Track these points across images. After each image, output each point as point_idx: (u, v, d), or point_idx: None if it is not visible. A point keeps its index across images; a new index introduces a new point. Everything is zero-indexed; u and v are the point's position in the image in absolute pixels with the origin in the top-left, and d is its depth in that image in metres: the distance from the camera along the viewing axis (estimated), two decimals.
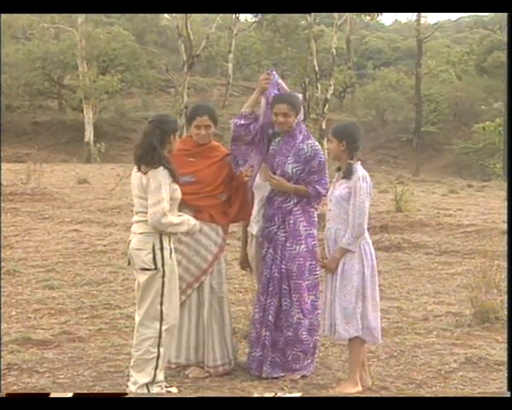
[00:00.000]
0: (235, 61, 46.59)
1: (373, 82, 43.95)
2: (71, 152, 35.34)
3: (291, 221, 4.99)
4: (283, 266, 4.97)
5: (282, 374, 4.94)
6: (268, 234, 5.06)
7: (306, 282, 4.97)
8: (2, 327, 5.94)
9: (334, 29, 37.32)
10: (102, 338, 5.86)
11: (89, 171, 23.65)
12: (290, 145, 4.99)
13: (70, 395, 4.16)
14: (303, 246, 4.97)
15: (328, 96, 36.16)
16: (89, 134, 35.97)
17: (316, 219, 5.08)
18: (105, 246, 10.04)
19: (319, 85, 36.61)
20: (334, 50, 36.35)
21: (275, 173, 5.00)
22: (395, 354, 5.49)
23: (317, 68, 36.28)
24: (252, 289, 5.79)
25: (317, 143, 5.04)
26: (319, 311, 5.03)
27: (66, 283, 7.82)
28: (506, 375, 4.67)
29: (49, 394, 4.21)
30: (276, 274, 4.98)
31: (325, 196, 5.01)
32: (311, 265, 5.00)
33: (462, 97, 40.07)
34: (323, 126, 35.20)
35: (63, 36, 40.32)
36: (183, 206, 4.75)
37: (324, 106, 35.76)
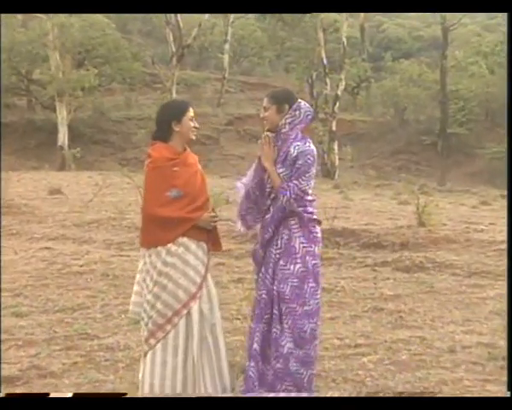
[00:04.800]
0: (231, 52, 46.78)
1: (391, 76, 44.04)
2: (42, 157, 35.44)
3: (285, 236, 5.04)
4: (274, 288, 5.01)
5: None
6: (254, 254, 5.21)
7: (306, 307, 4.98)
8: None
9: (344, 15, 37.40)
10: (78, 373, 5.86)
11: (62, 179, 23.67)
12: (283, 151, 5.06)
13: (70, 395, 4.53)
14: (299, 265, 4.99)
15: (339, 92, 36.26)
16: (62, 137, 36.05)
17: (318, 236, 5.09)
18: (81, 266, 10.04)
19: (328, 80, 36.72)
20: (345, 40, 36.49)
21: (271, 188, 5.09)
22: (418, 391, 5.49)
23: (325, 61, 36.39)
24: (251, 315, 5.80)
25: (307, 145, 5.01)
26: (317, 341, 5.06)
27: (37, 309, 7.82)
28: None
29: (48, 394, 4.56)
30: (264, 296, 5.04)
31: (289, 204, 4.96)
32: (312, 288, 5.01)
33: (495, 94, 40.12)
34: (333, 128, 35.29)
35: (32, 23, 40.42)
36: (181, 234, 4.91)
37: (335, 104, 35.87)
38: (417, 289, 9.07)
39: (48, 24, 36.24)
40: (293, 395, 4.88)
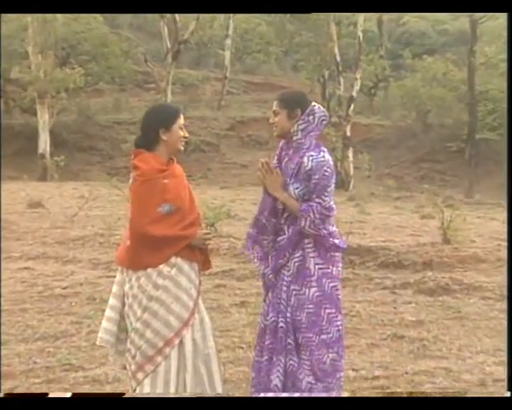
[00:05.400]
0: (233, 48, 46.85)
1: (412, 75, 44.10)
2: (20, 166, 35.46)
3: (298, 257, 5.02)
4: (288, 315, 5.01)
5: None
6: (263, 277, 5.16)
7: (323, 336, 4.98)
8: None
9: None
10: None
11: (44, 191, 23.70)
12: (295, 162, 5.03)
13: (68, 395, 5.03)
14: (314, 289, 4.98)
15: (354, 93, 36.32)
16: (44, 143, 36.10)
17: (336, 254, 5.08)
18: (65, 289, 10.05)
19: (342, 80, 36.79)
20: (360, 34, 36.54)
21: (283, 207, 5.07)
22: None
23: (339, 58, 36.47)
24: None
25: (322, 155, 4.99)
26: (342, 373, 5.04)
27: (14, 337, 7.81)
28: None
29: (47, 394, 5.11)
30: (282, 324, 5.01)
31: (314, 226, 4.93)
32: (330, 314, 5.01)
33: None
34: (348, 133, 35.31)
35: (9, 17, 40.54)
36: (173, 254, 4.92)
37: (349, 106, 35.92)
38: (442, 314, 9.06)
39: (27, 17, 36.27)
40: (295, 395, 4.88)
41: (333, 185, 5.00)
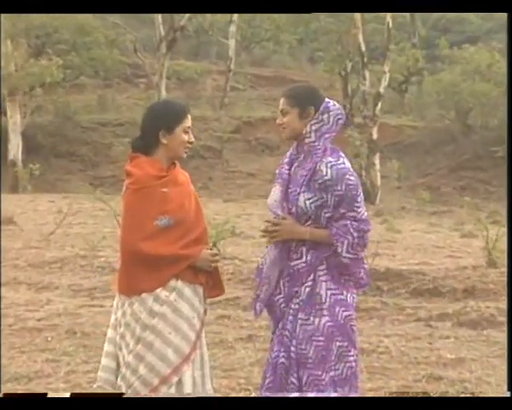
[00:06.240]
0: (239, 36, 46.82)
1: (451, 67, 44.12)
2: None
3: (308, 282, 5.00)
4: (292, 349, 4.99)
5: None
6: (271, 305, 5.14)
7: (331, 373, 4.97)
8: None
9: None
10: None
11: (15, 204, 23.73)
12: (307, 168, 5.01)
13: (67, 395, 5.74)
14: (326, 318, 4.97)
15: (382, 89, 36.33)
16: (15, 148, 36.16)
17: (351, 278, 5.08)
18: (39, 320, 10.05)
19: (368, 73, 36.81)
20: (389, 20, 36.58)
21: (289, 213, 5.04)
22: None
23: (364, 47, 36.50)
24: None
25: (342, 161, 4.97)
26: None
27: None
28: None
29: (46, 394, 5.79)
30: (283, 360, 5.01)
31: (352, 249, 4.94)
32: (340, 347, 5.00)
33: None
34: (374, 136, 35.28)
35: None
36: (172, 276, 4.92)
37: (376, 104, 35.91)
38: (487, 351, 9.04)
39: None
40: (293, 395, 4.92)
41: (361, 194, 4.98)
